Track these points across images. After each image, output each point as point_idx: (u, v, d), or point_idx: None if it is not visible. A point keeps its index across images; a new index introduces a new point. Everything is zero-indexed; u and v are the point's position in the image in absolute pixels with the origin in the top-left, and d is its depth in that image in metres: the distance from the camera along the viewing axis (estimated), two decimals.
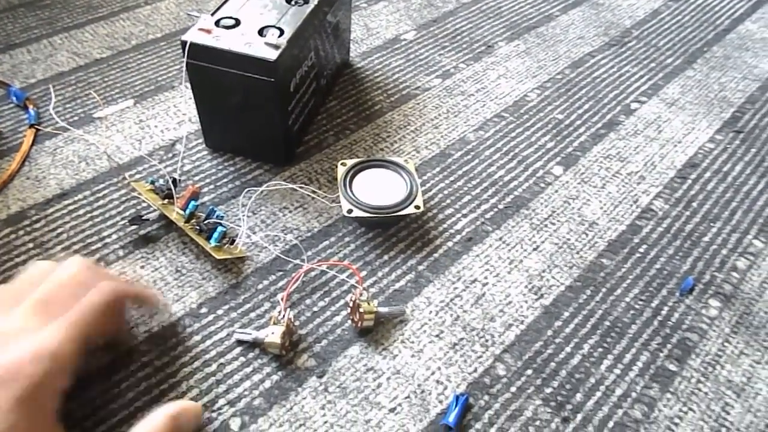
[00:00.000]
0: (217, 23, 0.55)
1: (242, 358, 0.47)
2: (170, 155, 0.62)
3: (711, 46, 0.87)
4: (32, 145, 0.63)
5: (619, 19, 0.91)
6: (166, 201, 0.54)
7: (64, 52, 0.75)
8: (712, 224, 0.61)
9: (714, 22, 0.92)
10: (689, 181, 0.65)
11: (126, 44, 0.77)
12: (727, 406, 0.47)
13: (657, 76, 0.80)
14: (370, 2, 0.89)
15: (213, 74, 0.54)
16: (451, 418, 0.43)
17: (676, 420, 0.46)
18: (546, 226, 0.59)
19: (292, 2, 0.58)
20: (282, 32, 0.54)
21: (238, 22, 0.55)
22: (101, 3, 0.84)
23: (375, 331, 0.49)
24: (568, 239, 0.58)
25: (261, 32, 0.54)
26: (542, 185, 0.63)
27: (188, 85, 0.57)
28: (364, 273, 0.53)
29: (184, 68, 0.54)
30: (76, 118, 0.66)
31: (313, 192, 0.59)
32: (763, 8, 0.97)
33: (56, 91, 0.69)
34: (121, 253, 0.53)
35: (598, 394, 0.47)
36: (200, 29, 0.53)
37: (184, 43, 0.52)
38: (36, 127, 0.64)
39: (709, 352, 0.50)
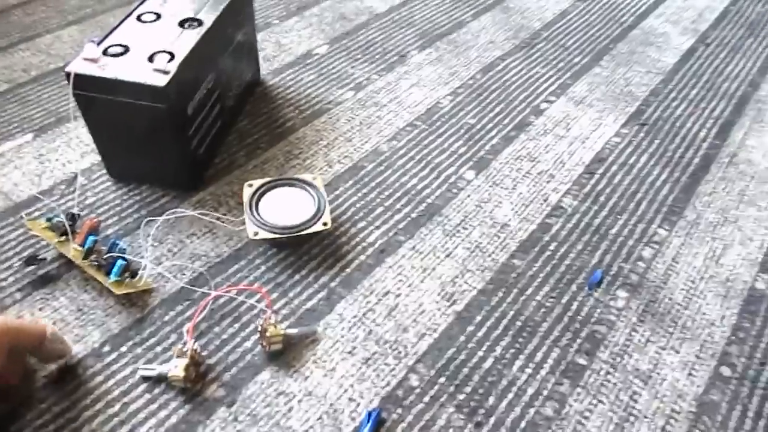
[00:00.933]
0: (104, 52, 0.53)
1: (147, 395, 0.45)
2: (72, 189, 0.60)
3: (617, 43, 0.90)
4: None
5: (529, 22, 0.93)
6: (63, 238, 0.52)
7: None
8: (618, 216, 0.63)
9: (619, 20, 0.96)
10: (596, 176, 0.67)
11: (25, 76, 0.74)
12: (635, 395, 0.48)
13: (565, 75, 0.82)
14: (282, 18, 0.89)
15: (103, 104, 0.52)
16: None
17: (586, 413, 0.46)
18: (458, 231, 0.59)
19: (186, 25, 0.57)
20: (173, 57, 0.53)
21: (126, 49, 0.53)
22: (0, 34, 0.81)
23: (286, 354, 0.48)
24: (480, 243, 0.59)
25: (151, 58, 0.53)
26: (455, 191, 0.64)
27: (77, 116, 0.56)
28: (275, 294, 0.52)
29: (70, 100, 0.52)
30: None
31: (218, 218, 0.58)
32: (666, 4, 1.02)
33: None
34: (18, 296, 0.51)
35: (510, 395, 0.47)
36: (85, 59, 0.51)
37: (68, 75, 0.50)
38: None
39: (618, 342, 0.51)
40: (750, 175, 0.69)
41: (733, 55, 0.89)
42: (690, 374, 0.50)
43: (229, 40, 0.64)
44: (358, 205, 0.61)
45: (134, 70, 0.51)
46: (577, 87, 0.80)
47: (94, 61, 0.51)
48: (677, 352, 0.51)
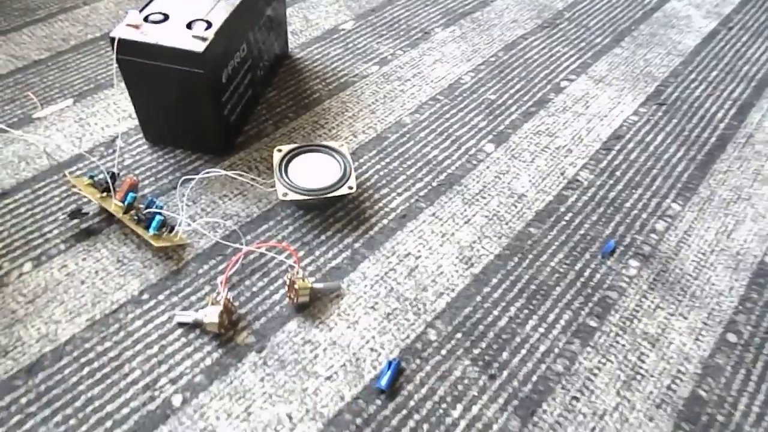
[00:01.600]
0: (145, 19, 0.56)
1: (183, 339, 0.48)
2: (111, 151, 0.64)
3: (638, 25, 0.91)
4: None
5: (552, 2, 0.95)
6: (104, 194, 0.55)
7: (2, 56, 0.75)
8: (633, 191, 0.64)
9: (642, 2, 0.97)
10: (613, 152, 0.69)
11: (65, 45, 0.78)
12: (642, 356, 0.50)
13: (586, 54, 0.84)
14: None
15: (144, 69, 0.55)
16: (384, 382, 0.46)
17: (595, 371, 0.49)
18: (477, 200, 0.62)
19: None
20: (210, 25, 0.56)
21: (166, 17, 0.56)
22: (39, 5, 0.84)
23: (312, 307, 0.51)
24: (498, 211, 0.61)
25: (189, 26, 0.55)
26: (474, 162, 0.66)
27: (121, 81, 0.59)
28: (301, 253, 0.55)
29: (114, 65, 0.55)
30: (15, 119, 0.67)
31: (252, 179, 0.61)
32: None
33: None
34: (62, 247, 0.54)
35: (523, 351, 0.50)
36: (128, 25, 0.54)
37: (112, 40, 0.53)
38: None
39: (628, 307, 0.54)
40: (765, 155, 0.70)
41: (755, 39, 0.89)
42: (697, 339, 0.52)
43: (260, 13, 0.66)
44: (381, 173, 0.64)
45: (174, 36, 0.54)
46: (598, 66, 0.81)
47: (136, 27, 0.54)
48: (685, 318, 0.53)
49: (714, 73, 0.82)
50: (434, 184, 0.63)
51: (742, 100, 0.78)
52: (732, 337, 0.52)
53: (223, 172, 0.60)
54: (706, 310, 0.54)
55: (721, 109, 0.76)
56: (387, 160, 0.65)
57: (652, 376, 0.49)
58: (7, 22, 0.81)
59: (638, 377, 0.49)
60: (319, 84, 0.74)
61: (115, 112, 0.68)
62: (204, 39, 0.53)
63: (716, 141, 0.71)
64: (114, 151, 0.63)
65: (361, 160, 0.65)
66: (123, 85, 0.72)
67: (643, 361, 0.50)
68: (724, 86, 0.80)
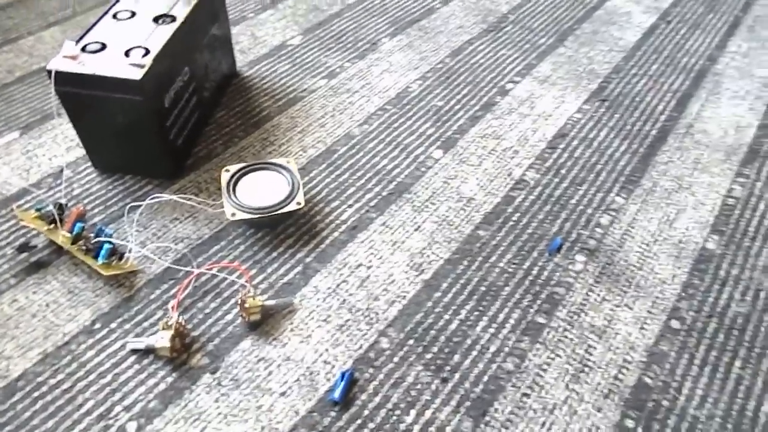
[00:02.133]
0: (83, 49, 0.56)
1: (137, 366, 0.49)
2: (59, 182, 0.63)
3: (581, 23, 0.93)
4: None
5: (497, 6, 0.97)
6: (52, 226, 0.55)
7: None
8: (578, 187, 0.66)
9: (584, 1, 0.99)
10: (558, 150, 0.71)
11: (10, 76, 0.77)
12: (590, 348, 0.52)
13: (531, 56, 0.86)
14: (257, 11, 0.92)
15: (84, 99, 0.55)
16: (337, 393, 0.47)
17: (545, 366, 0.50)
18: (427, 206, 0.63)
19: (159, 21, 0.60)
20: (148, 51, 0.56)
21: (104, 46, 0.56)
22: None
23: (265, 324, 0.52)
24: (447, 216, 0.62)
25: (127, 53, 0.56)
26: (423, 169, 0.67)
27: (61, 112, 0.59)
28: (254, 271, 0.56)
29: (53, 96, 0.55)
30: None
31: (200, 202, 0.61)
32: None
33: None
34: (12, 281, 0.54)
35: (474, 353, 0.51)
36: (65, 56, 0.54)
37: (49, 72, 0.53)
38: None
39: (575, 302, 0.55)
40: (705, 144, 0.73)
41: (693, 31, 0.92)
42: (642, 328, 0.54)
43: (203, 34, 0.67)
44: (331, 186, 0.64)
45: (111, 65, 0.54)
46: (542, 67, 0.83)
47: (73, 58, 0.54)
48: (630, 308, 0.55)
49: (654, 66, 0.85)
50: (384, 193, 0.64)
51: (682, 92, 0.80)
52: (675, 324, 0.54)
53: (171, 197, 0.60)
54: (651, 299, 0.56)
55: (661, 102, 0.78)
56: (337, 172, 0.66)
57: (599, 367, 0.51)
58: None
59: (586, 369, 0.50)
60: (269, 101, 0.75)
61: (63, 142, 0.68)
62: (141, 66, 0.54)
63: (657, 133, 0.74)
64: (61, 182, 0.63)
65: (311, 174, 0.66)
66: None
67: (590, 354, 0.51)
68: (664, 79, 0.82)
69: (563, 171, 0.68)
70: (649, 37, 0.90)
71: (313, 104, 0.75)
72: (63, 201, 0.58)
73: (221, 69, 0.73)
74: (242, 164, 0.60)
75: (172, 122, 0.60)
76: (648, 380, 0.50)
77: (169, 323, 0.49)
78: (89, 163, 0.65)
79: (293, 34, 0.87)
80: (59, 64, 0.54)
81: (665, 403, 0.49)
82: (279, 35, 0.87)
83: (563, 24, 0.93)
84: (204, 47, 0.67)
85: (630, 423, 0.47)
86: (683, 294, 0.56)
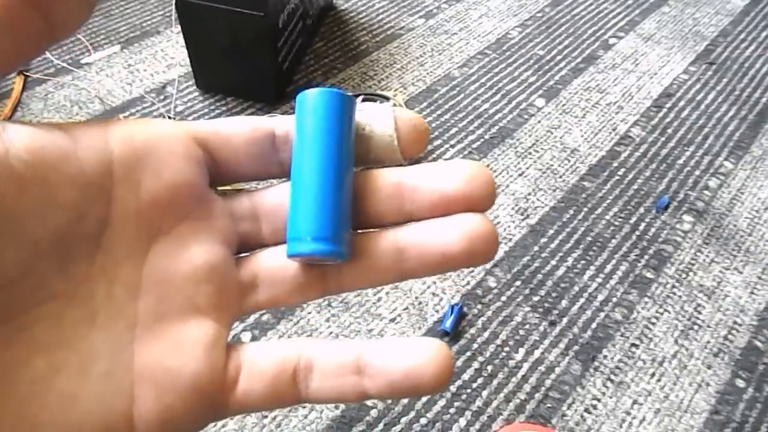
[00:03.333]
0: None
1: None
2: (162, 97, 0.63)
3: None
4: (23, 90, 0.63)
5: None
6: None
7: None
8: (686, 148, 0.64)
9: None
10: (664, 110, 0.68)
11: None
12: (699, 307, 0.51)
13: (634, 12, 0.82)
14: None
15: (203, 12, 0.55)
16: (448, 324, 0.47)
17: (653, 320, 0.50)
18: (530, 153, 0.62)
19: None
20: None
21: None
22: None
23: None
24: (551, 165, 0.61)
25: None
26: (526, 116, 0.66)
27: (178, 26, 0.58)
28: None
29: (173, 8, 0.55)
30: (64, 64, 0.66)
31: None
32: None
33: None
34: None
35: (582, 300, 0.50)
36: None
37: None
38: (25, 73, 0.65)
39: (683, 261, 0.54)
40: None
41: None
42: (752, 293, 0.52)
43: None
44: (433, 125, 0.63)
45: None
46: (646, 24, 0.80)
47: None
48: (740, 272, 0.54)
49: (764, 33, 0.80)
50: (486, 137, 0.63)
51: None
52: None
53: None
54: (761, 266, 0.54)
55: None
56: (438, 112, 0.65)
57: (708, 326, 0.50)
58: None
59: (695, 327, 0.49)
60: (366, 36, 0.74)
61: (163, 59, 0.68)
62: None
63: (767, 101, 0.71)
64: (165, 98, 0.63)
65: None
66: (169, 32, 0.71)
67: (699, 312, 0.50)
68: None
69: (669, 131, 0.66)
70: (759, 3, 0.86)
71: (411, 42, 0.73)
72: (170, 117, 0.59)
73: (321, 0, 0.72)
74: (348, 93, 0.59)
75: (282, 44, 0.60)
76: (759, 344, 0.49)
77: None
78: (191, 82, 0.65)
79: None
80: None
81: None
82: None
83: None
84: None
85: (741, 383, 0.46)
86: None
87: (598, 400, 0.45)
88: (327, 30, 0.74)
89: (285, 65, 0.62)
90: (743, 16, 0.83)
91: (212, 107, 0.63)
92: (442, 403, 0.44)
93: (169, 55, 0.69)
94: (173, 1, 0.54)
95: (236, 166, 0.17)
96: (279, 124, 0.17)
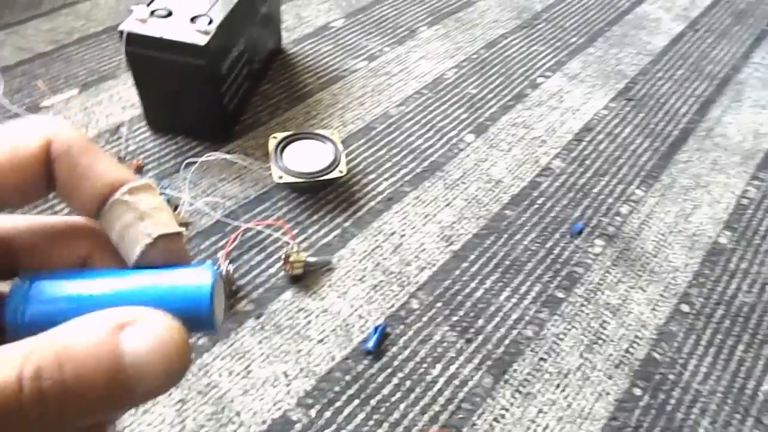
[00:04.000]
0: (152, 13, 0.60)
1: None
2: (116, 137, 0.68)
3: (612, 26, 0.97)
4: None
5: (531, 4, 1.00)
6: None
7: (9, 47, 0.79)
8: (601, 178, 0.70)
9: (615, 5, 1.03)
10: (584, 143, 0.74)
11: (68, 38, 0.82)
12: (604, 323, 0.56)
13: (562, 53, 0.89)
14: None
15: (150, 60, 0.60)
16: (371, 344, 0.51)
17: (561, 336, 0.54)
18: (458, 185, 0.67)
19: None
20: (211, 20, 0.60)
21: (170, 13, 0.61)
22: (43, 0, 0.88)
23: (306, 279, 0.56)
24: (477, 195, 0.66)
25: (192, 20, 0.60)
26: (456, 151, 0.71)
27: (126, 72, 0.63)
28: (295, 231, 0.60)
29: (123, 55, 0.60)
30: (23, 107, 0.71)
31: (250, 163, 0.66)
32: None
33: (4, 82, 0.73)
34: None
35: (497, 319, 0.55)
36: (136, 19, 0.59)
37: (121, 33, 0.58)
38: None
39: (592, 281, 0.59)
40: (723, 147, 0.76)
41: (719, 41, 0.96)
42: (653, 309, 0.57)
43: (256, 11, 0.71)
44: (369, 160, 0.69)
45: (178, 30, 0.58)
46: (572, 64, 0.87)
47: (143, 21, 0.59)
48: (644, 291, 0.59)
49: (680, 72, 0.88)
50: (418, 170, 0.68)
51: (705, 97, 0.84)
52: (685, 308, 0.58)
53: (225, 156, 0.65)
54: (663, 284, 0.60)
55: (684, 105, 0.82)
56: (375, 148, 0.70)
57: (612, 340, 0.54)
58: (13, 15, 0.85)
59: (600, 341, 0.54)
60: (311, 77, 0.79)
61: (118, 102, 0.73)
62: (207, 33, 0.58)
63: (679, 134, 0.77)
64: (119, 138, 0.68)
65: (351, 148, 0.70)
66: (125, 76, 0.76)
67: (604, 328, 0.55)
68: (688, 84, 0.86)
69: (587, 162, 0.72)
70: (676, 44, 0.94)
71: (353, 84, 0.79)
72: (121, 155, 0.63)
73: (269, 45, 0.78)
74: (289, 132, 0.64)
75: (227, 88, 0.65)
76: (657, 356, 0.54)
77: (218, 272, 0.53)
78: (144, 123, 0.70)
79: (336, 16, 0.91)
80: (131, 25, 0.58)
81: (671, 376, 0.52)
82: (323, 17, 0.91)
83: (594, 25, 0.96)
84: (257, 22, 0.71)
85: (638, 391, 0.51)
86: (694, 282, 0.60)
87: (507, 410, 0.49)
88: (275, 72, 0.79)
89: (231, 107, 0.67)
90: (662, 56, 0.91)
91: (163, 146, 0.67)
92: (362, 416, 0.48)
93: (124, 98, 0.73)
94: (123, 51, 0.59)
95: None
96: (57, 132, 0.14)
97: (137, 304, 0.13)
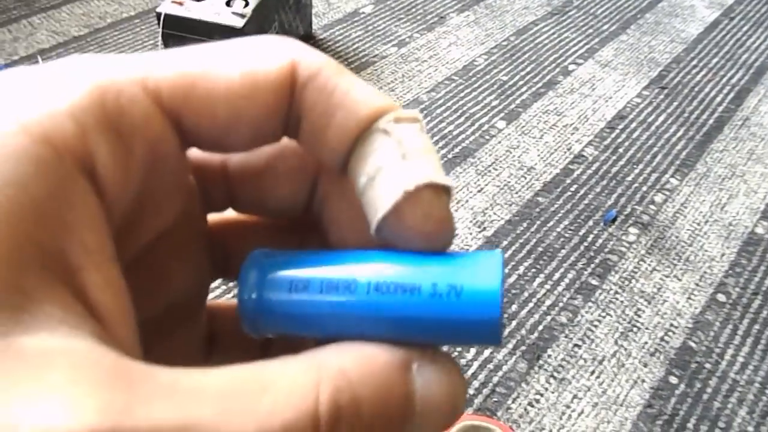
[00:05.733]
0: None
1: None
2: None
3: (644, 13, 0.95)
4: None
5: None
6: None
7: (44, 31, 0.80)
8: (635, 166, 0.69)
9: None
10: (617, 131, 0.74)
11: (102, 22, 0.82)
12: (639, 311, 0.55)
13: (593, 41, 0.88)
14: None
15: (186, 42, 0.60)
16: None
17: (596, 323, 0.54)
18: (489, 171, 0.67)
19: None
20: (247, 3, 0.60)
21: None
22: None
23: None
24: (509, 182, 0.66)
25: (228, 3, 0.60)
26: (487, 137, 0.71)
27: None
28: None
29: (159, 38, 0.60)
30: None
31: None
32: None
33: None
34: None
35: (531, 304, 0.55)
36: (173, 2, 0.59)
37: (158, 15, 0.58)
38: None
39: (627, 269, 0.59)
40: (760, 137, 0.75)
41: (755, 29, 0.94)
42: (689, 298, 0.57)
43: None
44: None
45: (215, 13, 0.59)
46: (604, 51, 0.86)
47: (180, 4, 0.59)
48: (679, 279, 0.58)
49: (714, 60, 0.86)
50: (450, 156, 0.68)
51: (740, 86, 0.82)
52: (721, 297, 0.57)
53: None
54: (699, 273, 0.59)
55: (720, 94, 0.81)
56: None
57: (647, 328, 0.54)
58: (48, 0, 0.86)
59: (634, 329, 0.54)
60: (341, 63, 0.79)
61: None
62: (243, 15, 0.58)
63: (714, 123, 0.76)
64: None
65: None
66: None
67: (639, 316, 0.55)
68: (723, 72, 0.84)
69: (621, 150, 0.71)
70: (711, 32, 0.92)
71: (383, 69, 0.79)
72: None
73: (300, 30, 0.78)
74: None
75: None
76: (693, 344, 0.53)
77: None
78: None
79: (366, 2, 0.91)
80: (168, 8, 0.58)
81: (707, 365, 0.52)
82: (352, 2, 0.90)
83: (626, 12, 0.95)
84: (289, 7, 0.71)
85: (674, 380, 0.51)
86: (730, 272, 0.59)
87: (541, 395, 0.49)
88: None
89: None
90: (696, 44, 0.89)
91: None
92: None
93: None
94: (160, 33, 0.59)
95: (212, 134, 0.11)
96: (302, 54, 0.10)
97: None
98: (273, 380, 0.08)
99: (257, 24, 0.61)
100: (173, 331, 0.13)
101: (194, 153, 0.11)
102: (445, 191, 0.10)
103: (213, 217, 0.13)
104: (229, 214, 0.13)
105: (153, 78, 0.10)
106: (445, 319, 0.10)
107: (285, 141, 0.11)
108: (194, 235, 0.12)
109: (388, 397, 0.09)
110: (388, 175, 0.10)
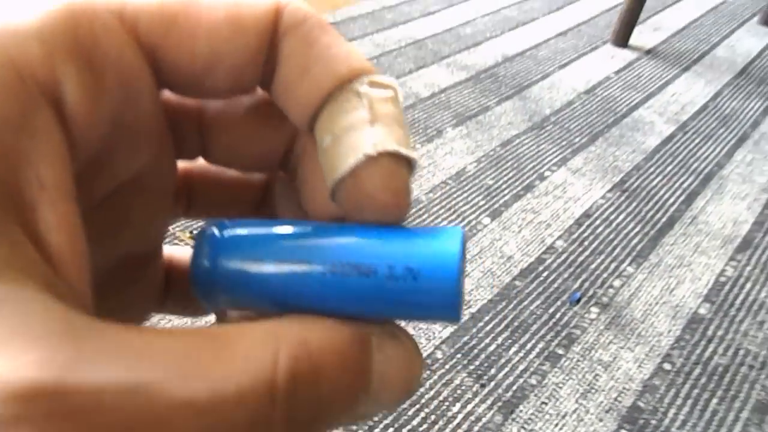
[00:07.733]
0: None
1: None
2: None
3: (611, 128, 1.13)
4: None
5: (541, 109, 1.17)
6: None
7: None
8: (597, 256, 0.83)
9: (614, 109, 1.19)
10: (583, 227, 0.88)
11: None
12: (597, 376, 0.67)
13: (566, 151, 1.05)
14: None
15: None
16: None
17: (561, 385, 0.66)
18: (475, 260, 0.81)
19: None
20: None
21: None
22: None
23: None
24: (491, 268, 0.80)
25: None
26: (474, 231, 0.85)
27: None
28: None
29: None
30: None
31: None
32: (656, 98, 1.25)
33: None
34: None
35: (507, 369, 0.67)
36: None
37: None
38: None
39: (588, 341, 0.71)
40: (705, 233, 0.89)
41: (705, 141, 1.10)
42: (640, 366, 0.69)
43: None
44: None
45: None
46: (575, 160, 1.02)
47: None
48: (632, 351, 0.70)
49: (669, 168, 1.02)
50: None
51: (691, 189, 0.98)
52: (667, 366, 0.69)
53: None
54: (649, 346, 0.71)
55: (672, 196, 0.96)
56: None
57: (603, 390, 0.66)
58: None
59: (593, 391, 0.65)
60: None
61: None
62: None
63: (666, 220, 0.91)
64: None
65: None
66: None
67: (597, 380, 0.67)
68: (676, 178, 1.00)
69: (586, 243, 0.85)
70: (667, 144, 1.09)
71: None
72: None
73: None
74: None
75: None
76: (641, 404, 0.64)
77: None
78: None
79: None
80: None
81: (653, 422, 0.63)
82: None
83: (595, 127, 1.13)
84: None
85: None
86: (675, 345, 0.71)
87: None
88: None
89: None
90: (654, 154, 1.06)
91: None
92: None
93: None
94: None
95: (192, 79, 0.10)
96: (290, 3, 0.10)
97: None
98: (230, 345, 0.08)
99: None
100: (128, 278, 0.12)
101: (168, 95, 0.11)
102: (407, 164, 0.10)
103: (182, 164, 0.13)
104: (200, 162, 0.13)
105: (132, 7, 0.09)
106: (402, 300, 0.10)
107: (264, 94, 0.11)
108: (162, 183, 0.12)
109: (347, 371, 0.09)
110: (352, 138, 0.10)
